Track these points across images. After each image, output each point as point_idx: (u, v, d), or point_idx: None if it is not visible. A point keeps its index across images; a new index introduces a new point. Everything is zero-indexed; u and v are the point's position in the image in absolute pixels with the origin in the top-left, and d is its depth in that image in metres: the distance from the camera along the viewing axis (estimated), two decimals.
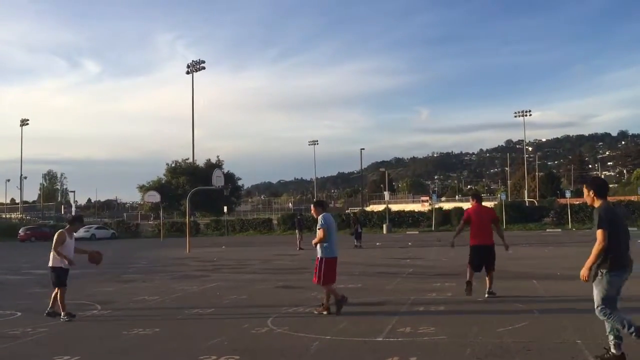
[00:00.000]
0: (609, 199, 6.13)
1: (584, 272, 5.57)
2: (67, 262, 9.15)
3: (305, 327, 7.88)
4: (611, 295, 5.50)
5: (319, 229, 9.10)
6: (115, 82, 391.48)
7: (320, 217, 9.17)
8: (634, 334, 5.37)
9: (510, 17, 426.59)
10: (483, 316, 8.39)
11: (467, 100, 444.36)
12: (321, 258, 9.02)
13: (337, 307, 8.90)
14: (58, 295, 9.15)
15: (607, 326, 5.56)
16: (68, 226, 9.61)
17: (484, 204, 11.05)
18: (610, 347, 5.54)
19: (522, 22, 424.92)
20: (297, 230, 32.96)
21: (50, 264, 9.31)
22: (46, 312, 9.23)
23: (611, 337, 5.53)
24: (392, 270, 16.07)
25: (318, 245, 9.09)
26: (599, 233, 5.47)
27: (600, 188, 5.81)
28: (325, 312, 8.90)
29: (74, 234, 9.68)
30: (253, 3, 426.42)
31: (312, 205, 9.74)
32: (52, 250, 9.24)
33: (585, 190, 5.87)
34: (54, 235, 9.45)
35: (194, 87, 75.95)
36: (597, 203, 5.74)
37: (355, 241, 27.73)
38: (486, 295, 9.99)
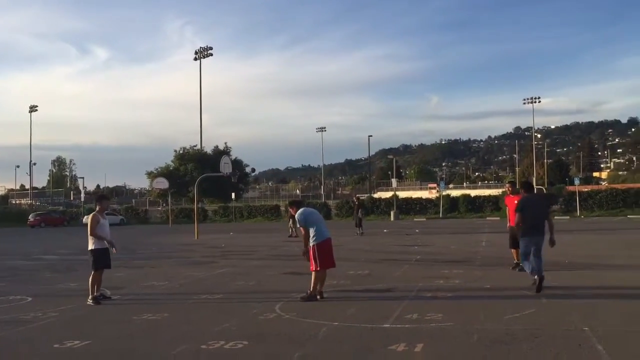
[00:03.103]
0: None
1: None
2: (107, 243, 9.32)
3: (313, 313, 7.93)
4: (523, 252, 9.24)
5: (299, 227, 9.26)
6: (124, 69, 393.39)
7: (297, 215, 9.23)
8: (531, 273, 9.13)
9: (521, 3, 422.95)
10: (490, 303, 8.42)
11: (476, 87, 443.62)
12: (313, 246, 8.99)
13: (305, 297, 8.92)
14: (92, 277, 9.26)
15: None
16: (98, 207, 9.63)
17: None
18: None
19: (533, 9, 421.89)
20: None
21: (89, 247, 9.41)
22: (94, 297, 9.30)
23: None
24: (399, 257, 16.07)
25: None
26: (517, 214, 9.46)
27: (526, 188, 9.84)
28: (319, 297, 8.97)
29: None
30: None
31: (288, 205, 9.85)
32: (90, 234, 9.33)
33: (520, 190, 10.01)
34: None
35: (201, 73, 75.79)
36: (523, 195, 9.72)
37: (357, 229, 26.23)
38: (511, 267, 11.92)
